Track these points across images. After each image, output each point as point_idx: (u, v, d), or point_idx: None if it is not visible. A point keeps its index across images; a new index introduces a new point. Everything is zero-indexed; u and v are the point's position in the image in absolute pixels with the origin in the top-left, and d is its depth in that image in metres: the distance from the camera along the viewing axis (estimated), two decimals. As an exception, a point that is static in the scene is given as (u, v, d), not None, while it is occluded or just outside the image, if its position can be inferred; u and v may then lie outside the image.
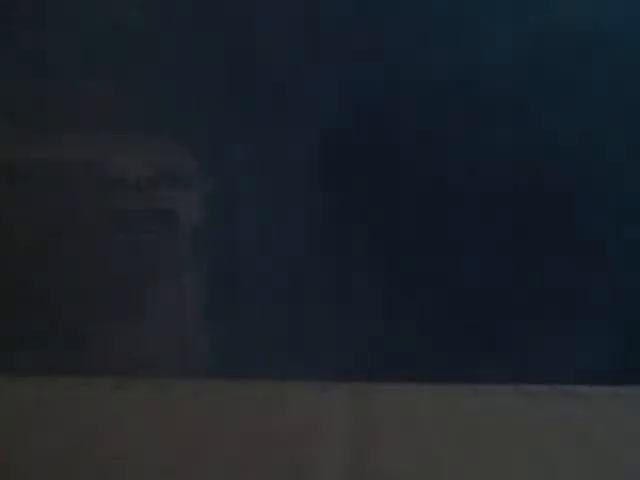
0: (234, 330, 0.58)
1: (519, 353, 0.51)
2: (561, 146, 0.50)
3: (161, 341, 0.46)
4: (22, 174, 0.41)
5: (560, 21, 0.49)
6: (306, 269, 0.58)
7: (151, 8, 0.69)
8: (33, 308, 0.42)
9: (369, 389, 0.24)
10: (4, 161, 0.41)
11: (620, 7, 0.50)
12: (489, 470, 0.18)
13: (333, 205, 0.56)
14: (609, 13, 0.50)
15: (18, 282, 0.42)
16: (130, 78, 0.64)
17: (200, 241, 0.48)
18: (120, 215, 0.44)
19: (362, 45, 0.52)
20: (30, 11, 0.67)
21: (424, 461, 0.19)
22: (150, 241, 0.45)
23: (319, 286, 0.57)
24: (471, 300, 0.52)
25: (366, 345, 0.55)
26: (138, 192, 0.44)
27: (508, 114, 0.50)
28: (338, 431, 0.21)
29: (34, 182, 0.41)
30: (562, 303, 0.51)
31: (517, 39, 0.49)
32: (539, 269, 0.51)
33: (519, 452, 0.19)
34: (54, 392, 0.24)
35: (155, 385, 0.25)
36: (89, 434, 0.20)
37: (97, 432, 0.20)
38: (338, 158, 0.56)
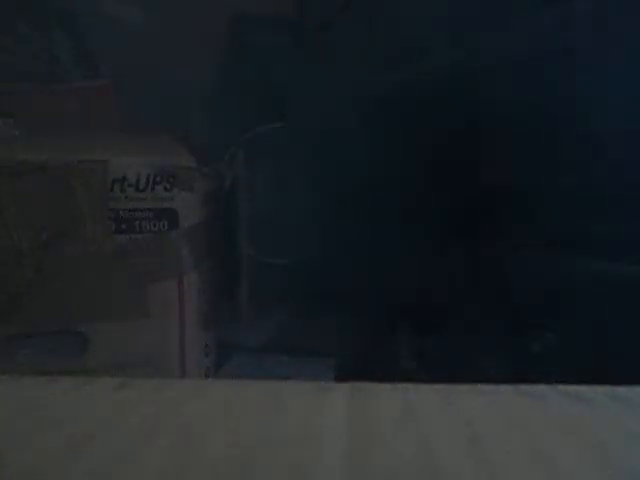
0: (234, 330, 0.58)
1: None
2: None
3: (161, 341, 0.46)
4: (22, 174, 0.41)
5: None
6: (305, 269, 0.58)
7: (151, 7, 0.69)
8: (33, 308, 0.42)
9: (369, 389, 0.24)
10: (4, 161, 0.41)
11: None
12: (489, 470, 0.18)
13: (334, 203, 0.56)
14: None
15: (18, 282, 0.42)
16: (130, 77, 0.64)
17: (200, 241, 0.48)
18: (120, 215, 0.44)
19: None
20: (30, 11, 0.67)
21: (424, 461, 0.19)
22: (150, 241, 0.45)
23: (319, 285, 0.57)
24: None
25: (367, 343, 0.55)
26: (138, 192, 0.44)
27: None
28: (338, 431, 0.20)
29: (34, 182, 0.42)
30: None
31: None
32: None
33: (519, 452, 0.19)
34: (54, 392, 0.24)
35: (155, 385, 0.25)
36: (89, 434, 0.20)
37: (97, 432, 0.20)
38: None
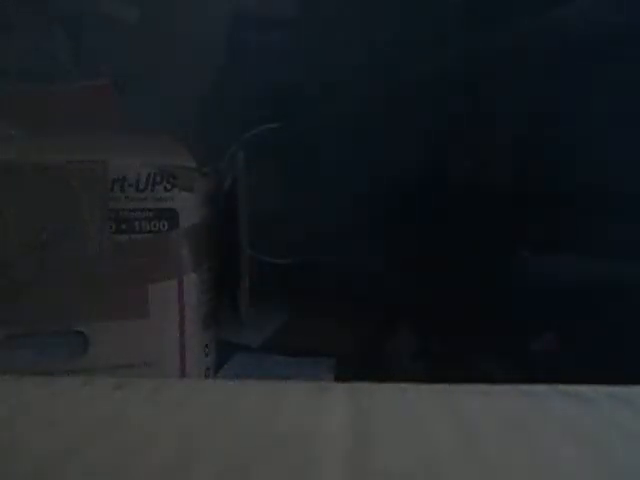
0: (234, 330, 0.58)
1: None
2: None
3: (161, 341, 0.46)
4: (22, 174, 0.41)
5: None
6: (305, 269, 0.58)
7: (151, 7, 0.69)
8: (33, 308, 0.42)
9: (369, 389, 0.24)
10: (4, 161, 0.41)
11: None
12: (489, 470, 0.18)
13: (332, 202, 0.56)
14: None
15: (18, 282, 0.42)
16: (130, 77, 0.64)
17: (200, 241, 0.48)
18: (120, 215, 0.44)
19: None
20: (30, 11, 0.67)
21: (424, 461, 0.19)
22: (150, 241, 0.45)
23: (319, 285, 0.57)
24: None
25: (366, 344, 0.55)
26: (138, 192, 0.44)
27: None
28: (338, 431, 0.20)
29: (34, 182, 0.42)
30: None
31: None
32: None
33: (519, 452, 0.19)
34: (54, 392, 0.24)
35: (155, 385, 0.25)
36: (89, 434, 0.20)
37: (97, 432, 0.20)
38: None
